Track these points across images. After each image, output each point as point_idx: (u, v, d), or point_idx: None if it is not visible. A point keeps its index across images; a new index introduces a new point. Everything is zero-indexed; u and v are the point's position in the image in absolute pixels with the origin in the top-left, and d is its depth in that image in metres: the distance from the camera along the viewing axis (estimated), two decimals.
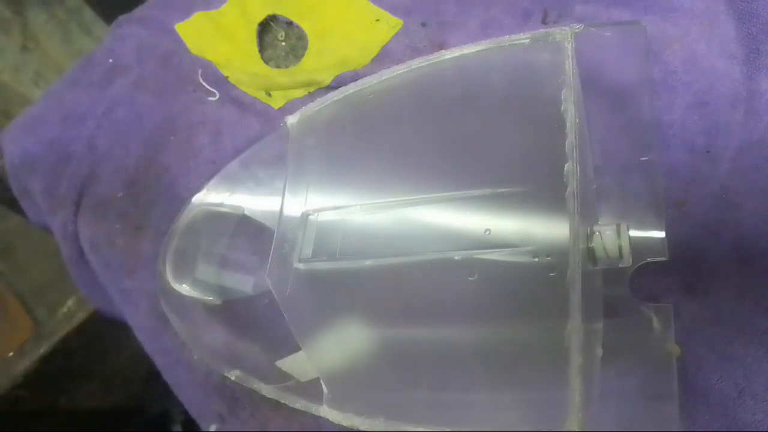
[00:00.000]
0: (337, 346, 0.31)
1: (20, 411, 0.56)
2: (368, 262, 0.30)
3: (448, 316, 0.29)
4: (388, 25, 0.44)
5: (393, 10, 0.44)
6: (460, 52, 0.33)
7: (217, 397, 0.39)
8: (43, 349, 0.56)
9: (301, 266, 0.31)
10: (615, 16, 0.38)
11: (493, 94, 0.32)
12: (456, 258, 0.28)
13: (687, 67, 0.36)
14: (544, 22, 0.40)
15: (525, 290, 0.27)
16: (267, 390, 0.34)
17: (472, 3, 0.43)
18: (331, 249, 0.31)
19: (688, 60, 0.36)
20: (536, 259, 0.26)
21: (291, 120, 0.37)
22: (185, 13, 0.47)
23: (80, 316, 0.57)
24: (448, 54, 0.33)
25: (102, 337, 0.60)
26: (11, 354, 0.54)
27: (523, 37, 0.31)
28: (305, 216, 0.33)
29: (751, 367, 0.31)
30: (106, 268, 0.43)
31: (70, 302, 0.58)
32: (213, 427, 0.39)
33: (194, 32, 0.47)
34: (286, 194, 0.34)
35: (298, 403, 0.32)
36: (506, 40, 0.32)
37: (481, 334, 0.28)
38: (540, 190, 0.27)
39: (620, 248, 0.28)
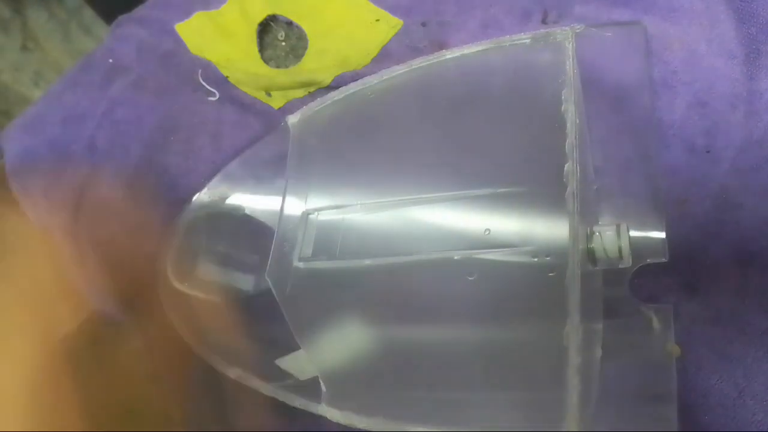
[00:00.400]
0: (336, 344, 0.31)
1: None
2: (368, 262, 0.30)
3: (447, 315, 0.29)
4: (388, 25, 0.44)
5: (393, 10, 0.44)
6: (461, 52, 0.33)
7: (218, 397, 0.39)
8: None
9: (301, 265, 0.31)
10: (615, 16, 0.38)
11: (493, 94, 0.32)
12: (455, 258, 0.28)
13: (687, 67, 0.36)
14: (544, 22, 0.40)
15: (524, 290, 0.27)
16: (266, 389, 0.34)
17: (472, 3, 0.43)
18: (331, 248, 0.31)
19: (688, 60, 0.36)
20: (536, 259, 0.26)
21: (292, 119, 0.37)
22: (185, 13, 0.47)
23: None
24: (449, 54, 0.33)
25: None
26: None
27: (523, 37, 0.31)
28: (306, 215, 0.33)
29: (751, 367, 0.31)
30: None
31: None
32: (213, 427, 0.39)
33: (194, 32, 0.47)
34: (287, 193, 0.34)
35: (297, 402, 0.32)
36: (507, 40, 0.32)
37: (481, 333, 0.28)
38: (540, 190, 0.27)
39: (620, 249, 0.28)
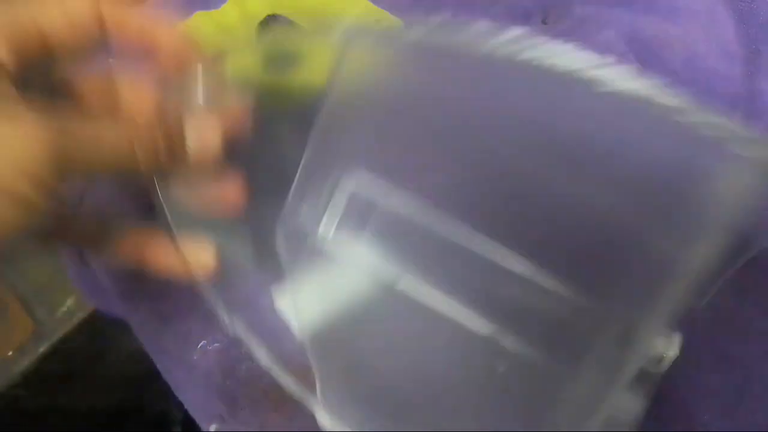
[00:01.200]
0: (342, 343, 0.29)
1: (20, 411, 0.56)
2: (399, 283, 0.26)
3: (460, 392, 0.26)
4: (388, 25, 0.44)
5: (393, 10, 0.44)
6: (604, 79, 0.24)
7: (217, 397, 0.39)
8: (42, 348, 0.56)
9: (321, 233, 0.27)
10: (615, 16, 0.38)
11: (622, 162, 0.25)
12: (482, 333, 0.24)
13: (687, 67, 0.36)
14: (544, 22, 0.40)
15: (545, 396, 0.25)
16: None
17: (472, 3, 0.43)
18: (360, 229, 0.27)
19: (688, 60, 0.36)
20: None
21: None
22: (185, 13, 0.47)
23: (80, 316, 0.57)
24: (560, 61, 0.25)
25: (102, 337, 0.60)
26: (11, 353, 0.54)
27: (687, 108, 0.23)
28: (337, 178, 0.27)
29: (751, 367, 0.31)
30: (107, 266, 0.43)
31: (69, 302, 0.58)
32: (213, 427, 0.39)
33: (194, 32, 0.47)
34: (313, 143, 0.28)
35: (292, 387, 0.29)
36: (668, 100, 0.24)
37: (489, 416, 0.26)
38: (616, 314, 0.24)
39: (663, 358, 0.25)
